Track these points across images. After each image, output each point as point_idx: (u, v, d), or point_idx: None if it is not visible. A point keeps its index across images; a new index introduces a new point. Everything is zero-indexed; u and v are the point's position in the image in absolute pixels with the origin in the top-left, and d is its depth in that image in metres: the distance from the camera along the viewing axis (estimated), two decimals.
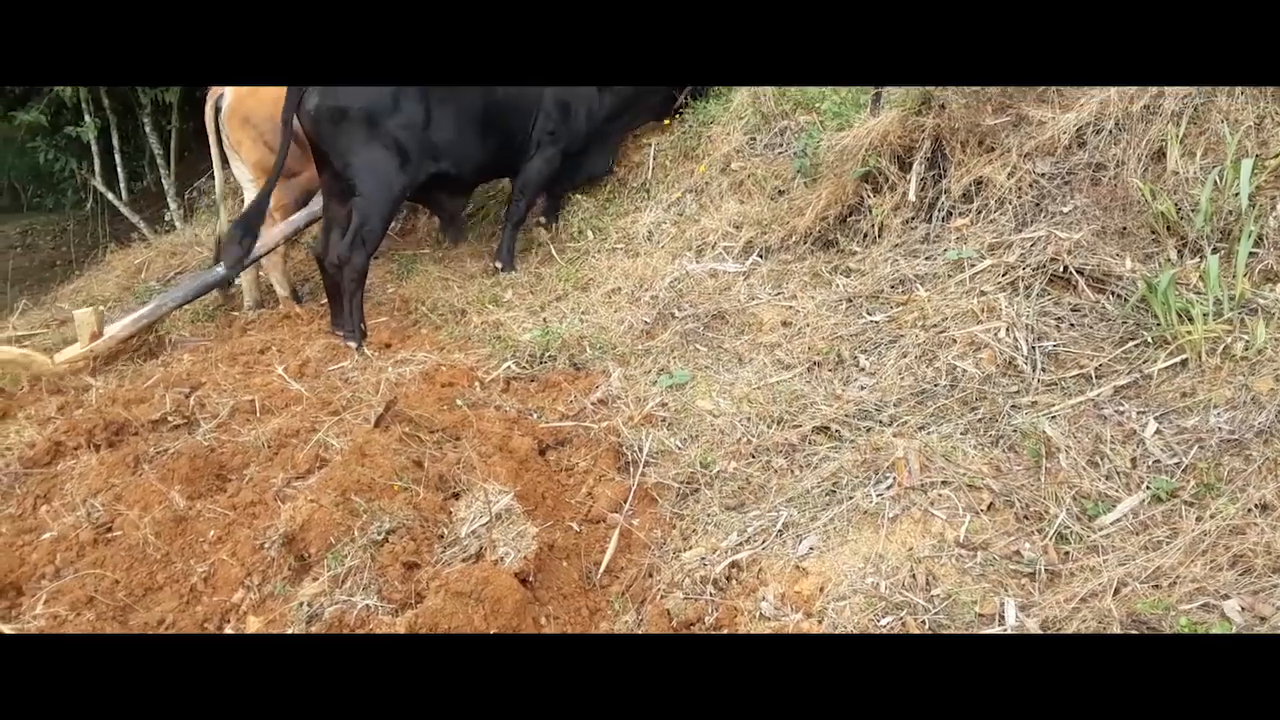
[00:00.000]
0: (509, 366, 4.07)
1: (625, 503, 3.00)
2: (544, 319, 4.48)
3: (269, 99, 4.94)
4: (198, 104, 11.25)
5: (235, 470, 3.40)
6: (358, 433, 3.43)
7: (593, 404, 3.63)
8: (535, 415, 3.67)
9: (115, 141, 9.12)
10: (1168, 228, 3.39)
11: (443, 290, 5.16)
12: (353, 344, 4.57)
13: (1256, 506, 2.20)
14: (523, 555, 2.57)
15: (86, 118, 8.49)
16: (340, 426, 3.55)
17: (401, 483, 3.04)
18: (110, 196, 9.17)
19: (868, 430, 3.03)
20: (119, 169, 9.26)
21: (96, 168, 9.14)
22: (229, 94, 5.10)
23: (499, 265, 5.31)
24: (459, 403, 3.63)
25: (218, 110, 5.13)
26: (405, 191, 4.78)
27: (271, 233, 5.06)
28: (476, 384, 3.96)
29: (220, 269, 4.89)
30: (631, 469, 3.15)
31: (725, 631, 2.35)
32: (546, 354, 4.10)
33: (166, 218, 8.76)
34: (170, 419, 3.81)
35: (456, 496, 3.03)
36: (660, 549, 2.74)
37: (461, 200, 5.59)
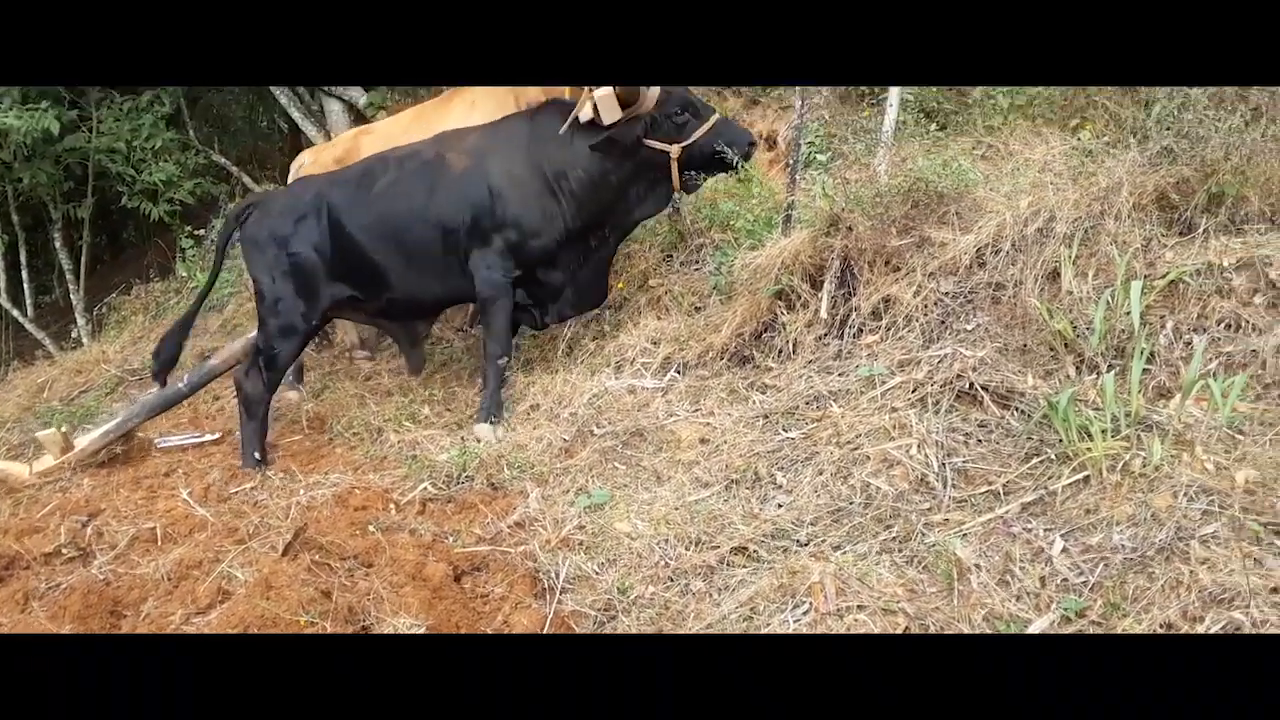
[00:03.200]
0: (425, 487, 4.00)
1: (542, 631, 2.93)
2: (462, 438, 4.43)
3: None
4: (110, 218, 11.14)
5: (131, 606, 3.24)
6: (264, 562, 3.31)
7: (509, 526, 3.57)
8: (451, 539, 3.59)
9: (23, 257, 8.92)
10: (1065, 345, 3.53)
11: (359, 407, 5.09)
12: (250, 469, 4.42)
13: (1161, 626, 2.24)
14: None
15: None
16: (246, 555, 3.42)
17: (308, 618, 2.93)
18: (15, 313, 8.91)
19: (784, 551, 3.03)
20: (25, 284, 9.03)
21: (1, 283, 8.90)
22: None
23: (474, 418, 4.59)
24: (372, 528, 3.54)
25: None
26: (308, 320, 4.64)
27: (231, 347, 4.99)
28: (392, 506, 3.87)
29: (181, 384, 4.88)
30: (548, 596, 3.09)
31: None
32: (464, 474, 4.04)
33: (73, 334, 8.53)
34: (64, 550, 3.64)
35: (366, 630, 2.92)
36: None
37: (418, 325, 5.05)
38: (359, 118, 9.58)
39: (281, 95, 9.19)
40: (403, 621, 2.83)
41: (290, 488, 4.10)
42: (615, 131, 4.42)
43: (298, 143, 10.82)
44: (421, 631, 2.78)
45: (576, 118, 4.47)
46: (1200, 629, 2.20)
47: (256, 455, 4.51)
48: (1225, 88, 4.38)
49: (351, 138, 5.99)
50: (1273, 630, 2.14)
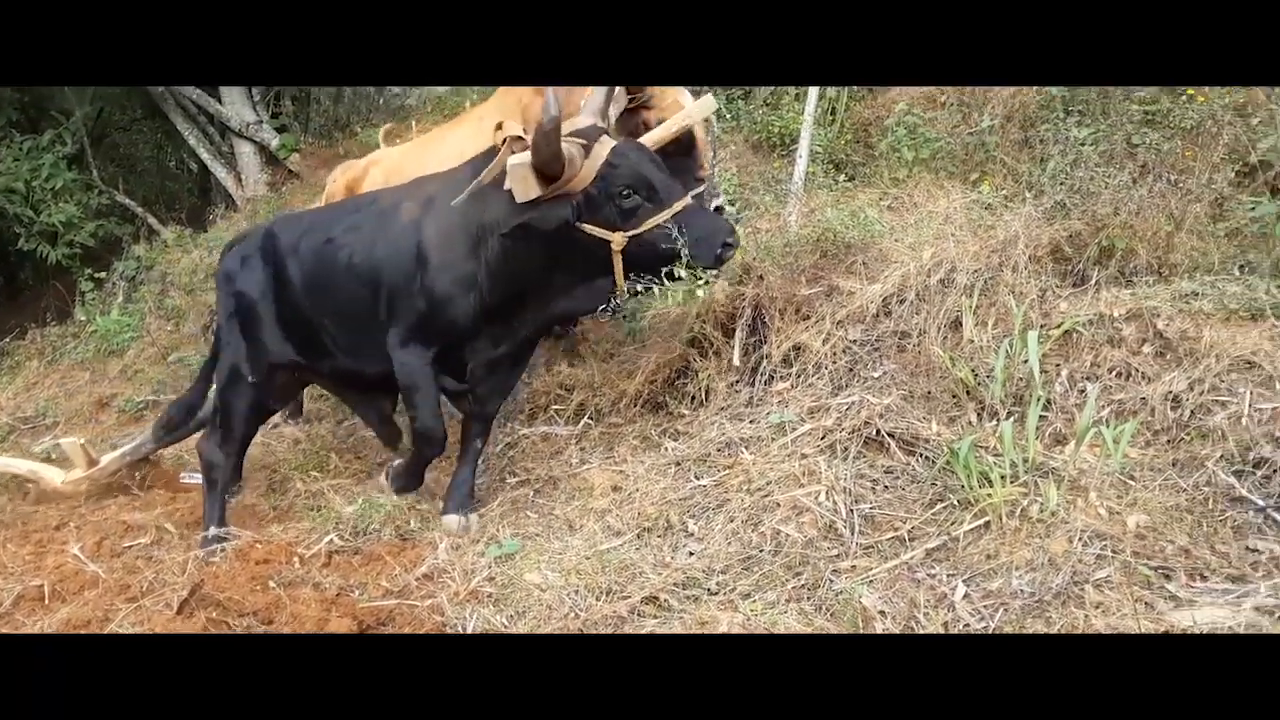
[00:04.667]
0: (331, 539, 3.89)
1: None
2: (368, 488, 4.34)
3: None
4: (5, 260, 10.73)
5: None
6: (157, 621, 3.18)
7: (418, 579, 3.49)
8: (357, 593, 3.49)
9: None
10: (967, 393, 3.62)
11: (263, 455, 4.95)
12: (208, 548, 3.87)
13: None
14: None
15: None
16: (138, 614, 3.28)
17: None
18: None
19: (694, 600, 3.02)
20: None
21: None
22: None
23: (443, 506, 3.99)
24: (273, 583, 3.42)
25: None
26: (260, 383, 4.12)
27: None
28: (296, 559, 3.75)
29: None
30: None
31: None
32: (371, 526, 3.95)
33: None
34: None
35: None
36: None
37: (382, 402, 4.33)
38: (270, 159, 9.47)
39: (190, 135, 9.03)
40: None
41: (188, 542, 3.96)
42: (533, 215, 3.46)
43: (207, 182, 10.64)
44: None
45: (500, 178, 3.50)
46: None
47: (213, 530, 3.97)
48: (1116, 142, 4.59)
49: (364, 164, 5.59)
50: None
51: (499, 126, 3.65)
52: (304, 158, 9.29)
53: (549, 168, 3.37)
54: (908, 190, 5.27)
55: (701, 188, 4.35)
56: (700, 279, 3.62)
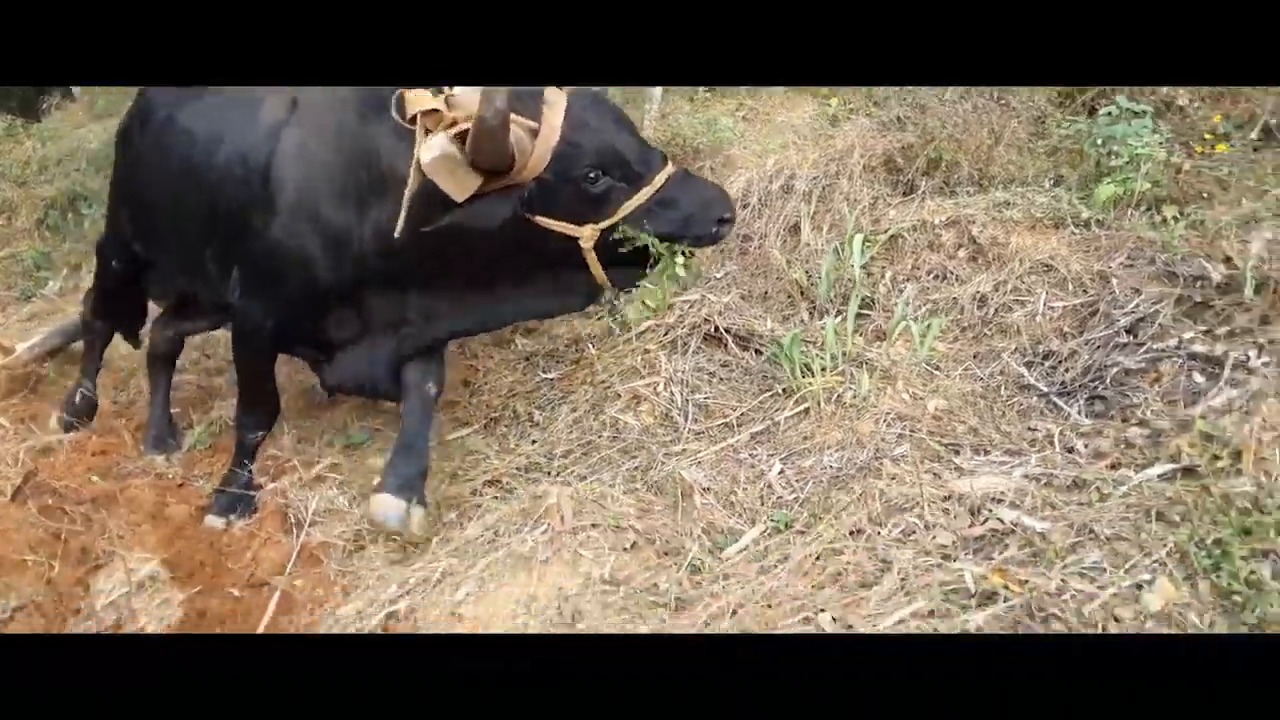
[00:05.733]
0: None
1: (289, 564, 2.94)
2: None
3: None
4: None
5: None
6: None
7: (263, 465, 3.52)
8: (202, 482, 3.51)
9: None
10: (801, 292, 3.84)
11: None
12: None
13: (850, 532, 2.53)
14: (165, 624, 2.46)
15: None
16: None
17: (36, 559, 2.81)
18: None
19: (534, 482, 3.16)
20: None
21: None
22: None
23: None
24: (110, 474, 3.41)
25: None
26: (122, 264, 3.68)
27: None
28: (137, 452, 3.72)
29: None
30: (296, 530, 3.09)
31: None
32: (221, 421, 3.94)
33: None
34: None
35: (99, 568, 2.84)
36: (320, 608, 2.72)
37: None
38: None
39: None
40: (135, 555, 2.77)
41: (24, 435, 3.86)
42: (464, 213, 2.64)
43: None
44: (154, 569, 2.73)
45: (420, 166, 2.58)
46: (882, 533, 2.50)
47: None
48: None
49: None
50: (941, 532, 2.47)
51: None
52: None
53: (491, 157, 2.56)
54: (764, 103, 5.42)
55: None
56: (685, 255, 2.95)
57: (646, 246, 2.83)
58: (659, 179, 2.80)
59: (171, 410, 3.93)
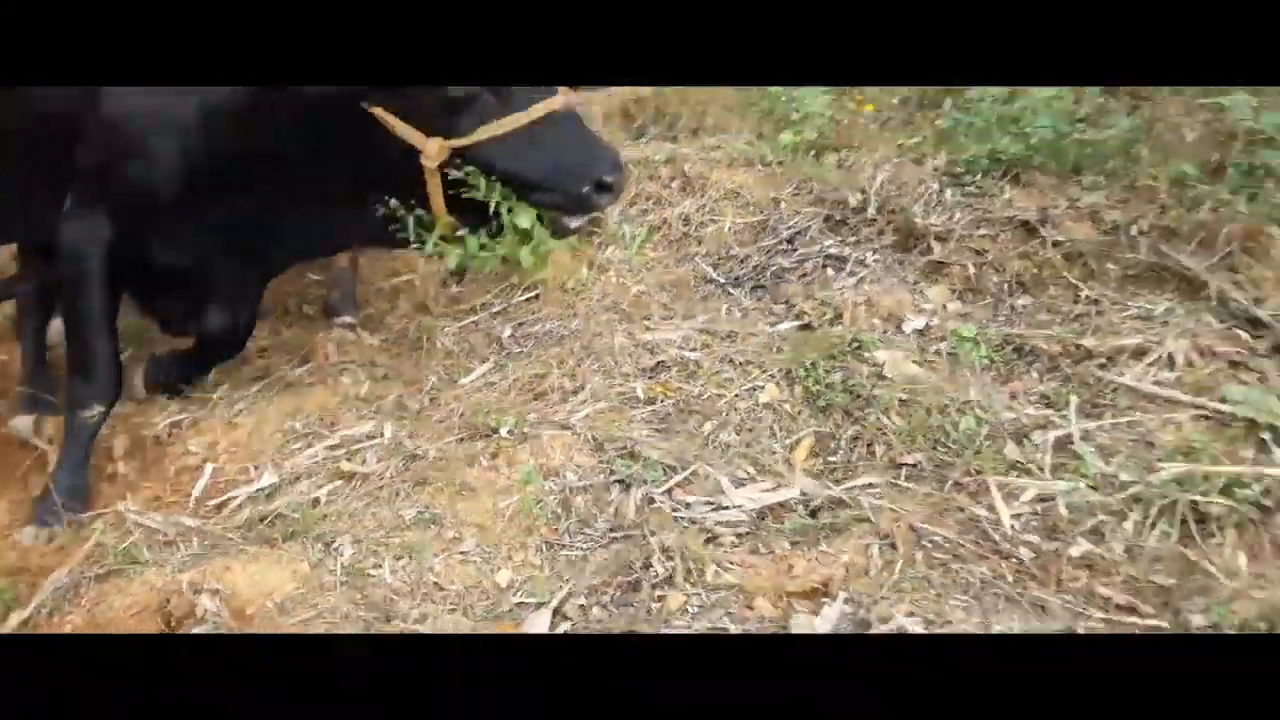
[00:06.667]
0: None
1: None
2: None
3: None
4: None
5: None
6: None
7: None
8: None
9: None
10: None
11: None
12: None
13: (558, 363, 3.28)
14: None
15: None
16: None
17: None
18: None
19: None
20: None
21: None
22: None
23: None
24: None
25: None
26: None
27: None
28: None
29: None
30: None
31: None
32: None
33: None
34: None
35: None
36: None
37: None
38: None
39: None
40: None
41: None
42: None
43: None
44: None
45: None
46: (583, 365, 3.27)
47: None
48: None
49: None
50: (626, 363, 3.26)
51: None
52: None
53: None
54: None
55: None
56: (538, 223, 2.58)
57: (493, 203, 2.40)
58: (538, 108, 2.39)
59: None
